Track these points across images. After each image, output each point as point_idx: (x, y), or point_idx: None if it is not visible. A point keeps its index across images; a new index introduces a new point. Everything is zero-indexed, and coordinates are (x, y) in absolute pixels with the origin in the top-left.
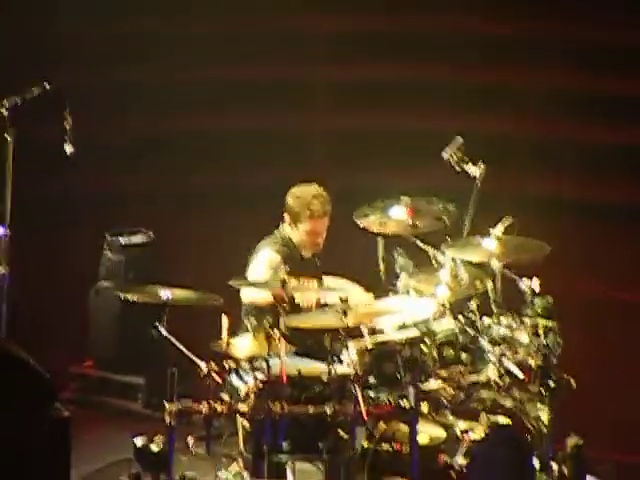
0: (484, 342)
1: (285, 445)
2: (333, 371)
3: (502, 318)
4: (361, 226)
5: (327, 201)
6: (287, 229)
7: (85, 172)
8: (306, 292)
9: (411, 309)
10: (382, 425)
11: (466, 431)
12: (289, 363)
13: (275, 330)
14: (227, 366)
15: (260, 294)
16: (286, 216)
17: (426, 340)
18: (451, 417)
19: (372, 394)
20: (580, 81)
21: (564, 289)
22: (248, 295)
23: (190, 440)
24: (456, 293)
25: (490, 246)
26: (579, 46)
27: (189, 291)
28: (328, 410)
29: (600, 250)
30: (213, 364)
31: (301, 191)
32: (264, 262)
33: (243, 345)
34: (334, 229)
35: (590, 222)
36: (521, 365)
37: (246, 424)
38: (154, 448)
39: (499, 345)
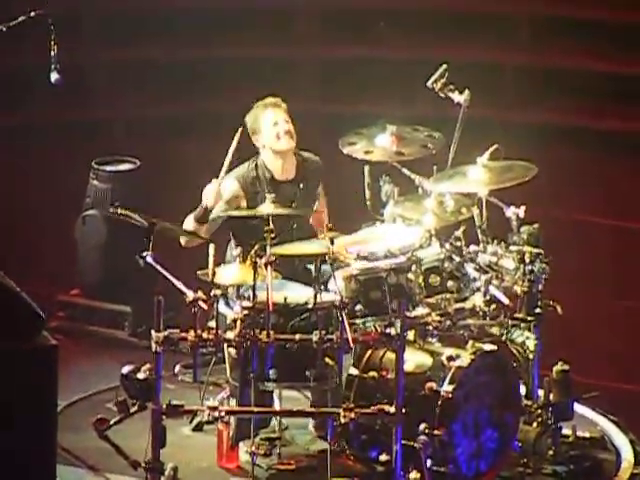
0: (470, 269)
1: (272, 373)
2: (319, 298)
3: (488, 245)
4: (345, 153)
5: (279, 100)
6: (261, 154)
7: (70, 99)
8: None
9: (397, 237)
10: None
11: (452, 358)
12: (276, 291)
13: (261, 258)
14: (214, 294)
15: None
16: (253, 138)
17: (412, 267)
18: (437, 344)
19: (359, 321)
20: (564, 8)
21: (551, 217)
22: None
23: (177, 368)
24: (442, 220)
25: (476, 174)
26: None
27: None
28: (314, 338)
29: (589, 177)
30: (200, 292)
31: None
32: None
33: (230, 273)
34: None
35: (578, 150)
36: (507, 292)
37: (233, 352)
38: (141, 376)
39: (485, 272)
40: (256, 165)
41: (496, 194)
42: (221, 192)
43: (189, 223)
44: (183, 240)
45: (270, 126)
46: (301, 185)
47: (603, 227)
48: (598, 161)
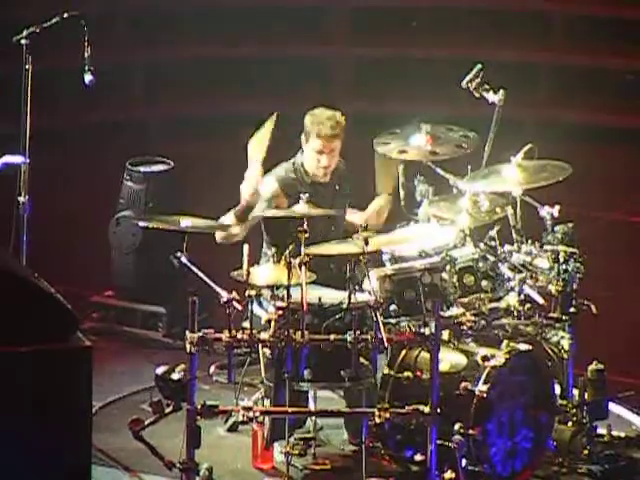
0: (505, 269)
1: (306, 373)
2: (354, 298)
3: (522, 245)
4: (380, 152)
5: (340, 127)
6: (302, 153)
7: (105, 101)
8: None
9: (432, 236)
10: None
11: (487, 358)
12: (310, 291)
13: (296, 258)
14: (248, 294)
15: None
16: (302, 137)
17: (447, 267)
18: (472, 344)
19: (393, 321)
20: (598, 7)
21: (585, 216)
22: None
23: (212, 369)
24: (476, 220)
25: (510, 174)
26: None
27: (209, 220)
28: (349, 338)
29: (621, 176)
30: (234, 293)
31: (319, 111)
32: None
33: (264, 273)
34: (354, 156)
35: (611, 148)
36: (542, 291)
37: (267, 352)
38: (175, 377)
39: (520, 272)
40: (295, 167)
41: (530, 193)
42: (260, 192)
43: (228, 219)
44: (219, 236)
45: (314, 151)
46: (337, 187)
47: (636, 226)
48: (632, 160)
